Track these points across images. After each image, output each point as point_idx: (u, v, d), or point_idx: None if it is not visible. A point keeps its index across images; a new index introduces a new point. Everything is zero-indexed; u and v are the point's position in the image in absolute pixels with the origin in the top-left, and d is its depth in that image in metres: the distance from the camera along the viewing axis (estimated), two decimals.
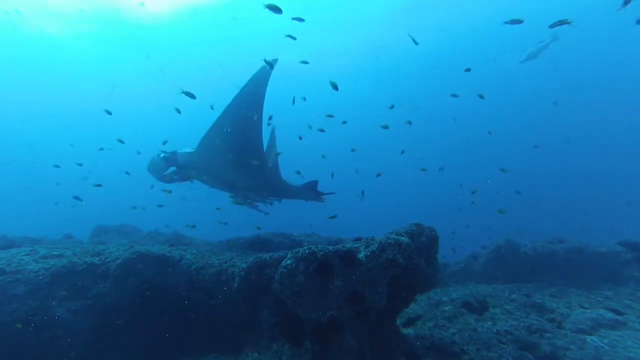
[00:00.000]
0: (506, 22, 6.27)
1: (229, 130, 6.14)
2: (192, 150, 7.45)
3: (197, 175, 7.81)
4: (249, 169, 6.76)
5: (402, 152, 11.06)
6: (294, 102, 8.30)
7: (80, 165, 9.43)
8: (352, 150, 11.79)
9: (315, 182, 8.37)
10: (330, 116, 8.63)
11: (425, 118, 34.15)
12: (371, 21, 23.25)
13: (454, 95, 9.67)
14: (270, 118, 8.13)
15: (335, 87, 6.32)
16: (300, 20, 6.24)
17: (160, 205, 8.02)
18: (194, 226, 8.29)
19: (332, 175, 9.26)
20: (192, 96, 6.18)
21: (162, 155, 7.68)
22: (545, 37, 12.72)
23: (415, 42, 6.99)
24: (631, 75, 27.14)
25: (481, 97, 9.02)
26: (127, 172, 9.40)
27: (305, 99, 9.54)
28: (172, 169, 7.98)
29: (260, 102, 6.07)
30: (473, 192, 9.59)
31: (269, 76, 5.92)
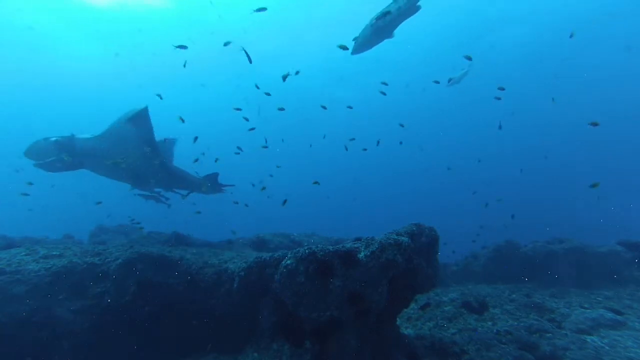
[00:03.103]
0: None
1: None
2: (94, 135, 7.13)
3: (95, 164, 7.58)
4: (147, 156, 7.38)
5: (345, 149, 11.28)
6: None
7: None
8: (324, 136, 12.03)
9: (216, 174, 8.69)
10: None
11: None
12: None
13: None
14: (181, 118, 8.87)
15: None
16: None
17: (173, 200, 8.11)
18: (198, 212, 8.41)
19: (216, 160, 9.40)
20: None
21: (53, 139, 7.16)
22: (464, 65, 14.94)
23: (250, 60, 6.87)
24: (633, 73, 27.10)
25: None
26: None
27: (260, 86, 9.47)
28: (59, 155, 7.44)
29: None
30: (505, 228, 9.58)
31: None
